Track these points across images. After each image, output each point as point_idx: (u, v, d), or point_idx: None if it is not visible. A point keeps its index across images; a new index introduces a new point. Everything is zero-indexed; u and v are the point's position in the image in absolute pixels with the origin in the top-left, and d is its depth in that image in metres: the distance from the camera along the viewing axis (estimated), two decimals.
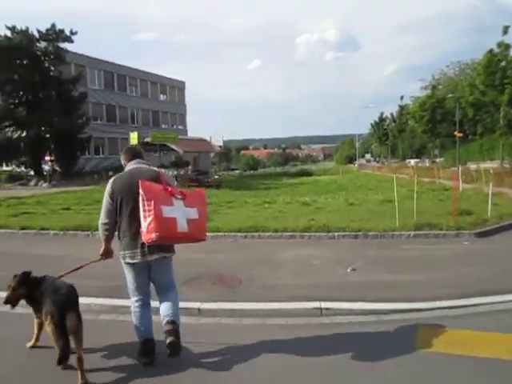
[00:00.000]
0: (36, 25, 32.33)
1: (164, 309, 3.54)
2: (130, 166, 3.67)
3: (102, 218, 3.56)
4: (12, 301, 3.47)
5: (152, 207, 3.22)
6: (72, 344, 3.19)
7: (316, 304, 4.68)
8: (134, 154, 3.79)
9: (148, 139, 26.91)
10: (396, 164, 53.29)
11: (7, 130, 32.04)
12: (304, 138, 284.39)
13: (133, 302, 3.63)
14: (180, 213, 3.34)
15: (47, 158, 28.55)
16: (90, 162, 40.15)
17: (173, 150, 27.79)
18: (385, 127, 65.05)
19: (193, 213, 3.44)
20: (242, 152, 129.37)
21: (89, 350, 3.47)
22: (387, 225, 8.21)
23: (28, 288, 3.44)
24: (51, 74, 33.25)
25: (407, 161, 58.37)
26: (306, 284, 5.38)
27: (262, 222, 9.15)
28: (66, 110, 31.73)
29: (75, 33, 32.95)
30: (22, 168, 35.28)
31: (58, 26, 32.11)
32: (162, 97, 56.13)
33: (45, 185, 28.01)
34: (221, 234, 8.39)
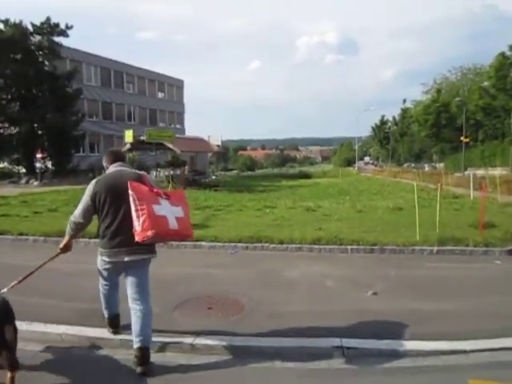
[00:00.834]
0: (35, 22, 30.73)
1: (136, 325, 3.51)
2: (113, 169, 3.73)
3: (77, 217, 3.62)
4: None
5: (144, 206, 3.29)
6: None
7: (336, 341, 3.83)
8: (116, 157, 3.86)
9: (143, 137, 26.00)
10: (398, 168, 52.50)
11: None
12: (301, 139, 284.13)
13: (101, 284, 3.87)
14: (169, 211, 3.43)
15: (39, 155, 27.52)
16: (84, 159, 38.97)
17: (169, 149, 26.83)
18: (386, 130, 64.27)
19: (179, 211, 3.55)
20: (240, 152, 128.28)
21: None
22: (406, 238, 7.33)
23: None
24: (45, 69, 32.17)
25: (406, 165, 57.60)
26: (321, 312, 4.52)
27: (265, 231, 8.30)
28: (60, 106, 30.61)
29: (71, 27, 31.89)
30: (15, 165, 34.24)
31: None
32: (159, 95, 55.03)
33: (36, 183, 26.96)
34: (219, 244, 7.52)
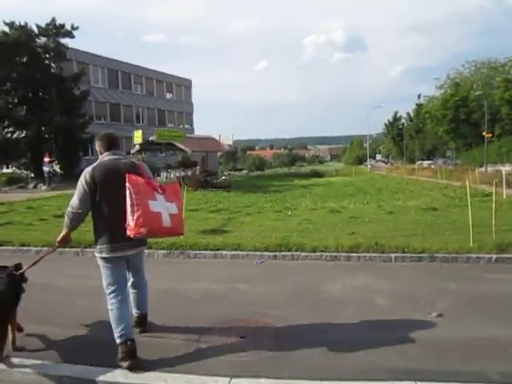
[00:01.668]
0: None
1: (138, 301, 3.82)
2: (108, 157, 3.55)
3: (75, 207, 3.41)
4: None
5: (140, 201, 3.22)
6: None
7: None
8: (111, 142, 3.64)
9: (153, 138, 25.21)
10: (411, 165, 51.16)
11: (5, 130, 30.45)
12: (309, 138, 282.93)
13: (110, 299, 3.44)
14: (163, 207, 3.36)
15: (46, 159, 26.89)
16: (93, 162, 38.12)
17: (179, 149, 25.95)
18: (400, 127, 62.81)
19: (173, 207, 3.47)
20: (248, 152, 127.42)
21: None
22: (457, 244, 6.39)
23: None
24: (52, 71, 31.63)
25: (419, 162, 56.17)
26: (382, 342, 3.62)
27: (292, 236, 7.44)
28: (67, 108, 30.02)
29: (76, 28, 31.26)
30: (23, 170, 33.73)
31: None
32: (168, 95, 54.32)
33: (44, 187, 26.36)
34: (243, 252, 6.64)
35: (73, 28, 31.10)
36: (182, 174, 24.57)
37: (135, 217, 3.19)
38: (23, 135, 30.39)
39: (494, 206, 6.92)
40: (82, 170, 3.57)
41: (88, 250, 6.89)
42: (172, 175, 26.18)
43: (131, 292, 3.77)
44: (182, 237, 7.31)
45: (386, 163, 79.08)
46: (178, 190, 3.78)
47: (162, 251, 6.89)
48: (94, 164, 3.51)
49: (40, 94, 30.67)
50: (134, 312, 3.85)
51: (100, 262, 3.46)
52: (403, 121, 63.64)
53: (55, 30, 30.37)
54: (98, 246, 3.42)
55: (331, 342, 3.65)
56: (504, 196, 13.86)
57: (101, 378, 3.23)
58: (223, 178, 34.13)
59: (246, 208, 12.12)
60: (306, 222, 9.26)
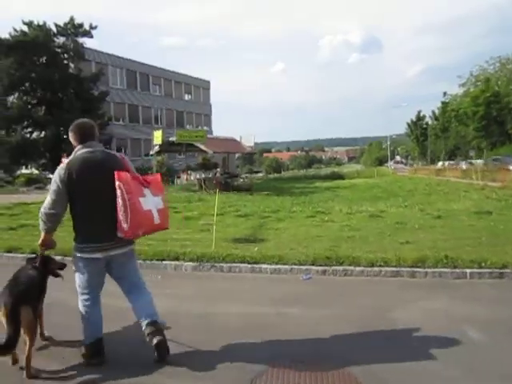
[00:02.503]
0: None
1: (141, 309, 3.27)
2: (83, 150, 3.18)
3: (48, 207, 3.13)
4: None
5: (133, 201, 3.04)
6: None
7: None
8: (85, 133, 3.24)
9: (173, 138, 24.44)
10: (431, 166, 49.47)
11: (24, 130, 30.20)
12: (325, 140, 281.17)
13: (82, 300, 3.26)
14: (152, 203, 3.21)
15: (64, 159, 26.46)
16: None
17: (200, 150, 25.14)
18: (424, 126, 60.94)
19: (159, 202, 3.30)
20: (265, 154, 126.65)
21: None
22: None
23: None
24: (70, 71, 31.32)
25: (440, 163, 54.39)
26: None
27: (339, 247, 6.47)
28: (85, 109, 29.52)
29: (95, 27, 30.89)
30: (42, 171, 33.51)
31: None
32: (186, 96, 53.80)
33: None
34: (285, 266, 5.68)
35: (91, 27, 30.75)
36: (203, 175, 23.72)
37: (129, 217, 3.00)
38: (42, 136, 30.13)
39: None
40: None
41: None
42: (192, 177, 25.36)
43: (131, 300, 3.34)
44: (213, 247, 6.48)
45: (405, 164, 77.30)
46: (158, 180, 3.48)
47: (191, 263, 5.98)
48: (68, 159, 3.16)
49: (59, 94, 30.36)
50: (144, 324, 3.21)
51: (76, 261, 3.21)
52: (427, 119, 61.79)
53: (74, 29, 30.06)
54: (77, 245, 3.17)
55: None
56: None
57: None
58: (240, 180, 33.30)
59: (275, 213, 11.16)
60: (347, 228, 8.26)
